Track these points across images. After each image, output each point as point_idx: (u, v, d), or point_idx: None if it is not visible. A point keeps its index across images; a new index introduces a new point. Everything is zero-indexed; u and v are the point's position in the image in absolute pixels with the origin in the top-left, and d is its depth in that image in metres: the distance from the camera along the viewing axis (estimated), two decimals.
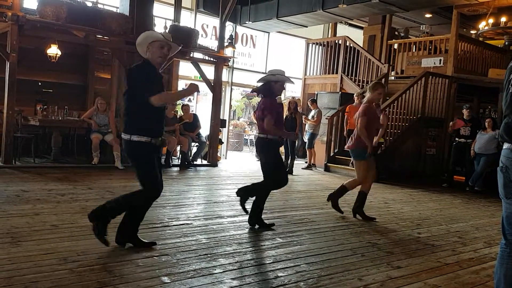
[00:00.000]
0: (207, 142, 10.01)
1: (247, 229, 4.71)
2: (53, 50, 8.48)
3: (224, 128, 11.70)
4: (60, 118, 8.22)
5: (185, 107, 9.90)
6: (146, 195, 3.73)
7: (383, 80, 11.10)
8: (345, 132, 9.91)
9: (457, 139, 9.35)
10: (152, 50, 3.64)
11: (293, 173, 9.56)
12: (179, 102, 12.19)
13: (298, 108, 10.26)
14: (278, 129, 4.74)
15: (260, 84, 4.84)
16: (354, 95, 10.44)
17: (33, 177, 6.75)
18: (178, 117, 9.59)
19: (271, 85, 4.74)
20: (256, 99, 16.66)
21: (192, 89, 3.77)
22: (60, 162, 8.21)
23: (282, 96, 13.98)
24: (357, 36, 13.97)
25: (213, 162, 9.97)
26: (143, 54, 3.73)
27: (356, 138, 5.51)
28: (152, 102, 3.49)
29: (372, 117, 5.50)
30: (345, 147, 5.86)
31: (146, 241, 3.86)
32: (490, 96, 11.40)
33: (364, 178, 5.58)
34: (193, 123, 9.61)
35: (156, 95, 3.52)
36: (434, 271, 3.81)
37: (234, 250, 3.97)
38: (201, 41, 10.73)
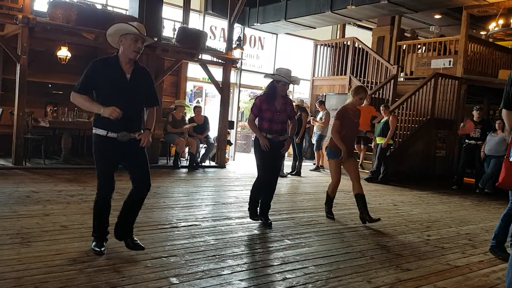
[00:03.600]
0: (215, 144, 10.03)
1: (255, 231, 4.71)
2: (63, 52, 8.55)
3: (232, 130, 11.72)
4: (70, 120, 8.28)
5: (197, 109, 9.92)
6: (96, 195, 3.63)
7: (392, 81, 11.06)
8: None
9: (467, 140, 9.28)
10: (126, 44, 3.45)
11: (301, 175, 9.55)
12: (188, 103, 12.24)
13: (307, 109, 10.23)
14: (255, 128, 4.85)
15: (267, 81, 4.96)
16: None
17: (43, 178, 6.80)
18: (188, 119, 9.63)
19: (274, 84, 4.80)
20: None
21: (110, 111, 3.32)
22: (70, 163, 8.26)
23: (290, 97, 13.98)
24: (366, 37, 13.92)
25: (221, 163, 9.98)
26: (115, 45, 3.56)
27: (330, 137, 5.55)
28: (71, 96, 3.45)
29: (347, 122, 5.41)
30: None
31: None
32: (500, 98, 11.25)
33: (333, 177, 5.57)
34: (203, 125, 9.64)
35: (75, 93, 3.43)
36: (443, 274, 3.78)
37: (242, 251, 3.97)
38: (210, 43, 10.77)
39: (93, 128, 3.51)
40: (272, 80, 4.89)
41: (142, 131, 3.60)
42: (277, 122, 4.82)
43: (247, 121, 4.82)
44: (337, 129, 5.37)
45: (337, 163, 5.47)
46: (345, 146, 5.34)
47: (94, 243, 3.61)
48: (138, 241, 3.73)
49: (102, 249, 3.56)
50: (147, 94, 3.65)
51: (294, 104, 10.18)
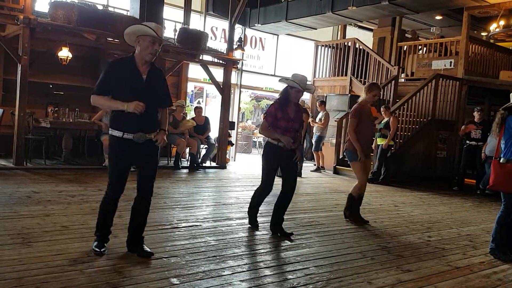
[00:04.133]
0: (216, 144, 10.03)
1: (256, 231, 4.71)
2: (64, 53, 8.56)
3: (233, 130, 11.72)
4: (71, 120, 8.29)
5: (198, 110, 9.92)
6: (105, 193, 3.63)
7: (393, 82, 11.05)
8: None
9: (468, 141, 9.28)
10: (143, 45, 3.43)
11: (302, 176, 9.55)
12: (189, 103, 12.25)
13: (308, 110, 10.23)
14: (270, 132, 4.57)
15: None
16: None
17: (44, 178, 6.81)
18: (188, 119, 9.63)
19: (288, 90, 4.59)
20: (265, 102, 16.68)
21: (135, 106, 3.35)
22: (70, 163, 8.27)
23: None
24: (367, 38, 13.92)
25: (222, 164, 9.98)
26: (132, 43, 3.55)
27: (349, 140, 5.40)
28: (91, 99, 3.46)
29: (364, 120, 5.33)
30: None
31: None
32: (501, 99, 11.23)
33: (360, 179, 5.42)
34: (204, 125, 9.65)
35: (95, 95, 3.45)
36: (444, 275, 3.78)
37: (243, 252, 3.97)
38: (210, 43, 10.78)
39: (109, 129, 3.51)
40: (286, 85, 4.65)
41: (157, 132, 3.57)
42: (291, 130, 4.58)
43: (259, 129, 4.69)
44: (353, 128, 5.24)
45: (361, 164, 5.35)
46: (361, 145, 5.26)
47: (95, 243, 3.60)
48: (148, 249, 3.65)
49: (103, 249, 3.55)
50: (161, 95, 3.63)
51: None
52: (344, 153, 5.55)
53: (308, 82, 4.66)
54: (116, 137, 3.45)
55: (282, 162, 4.63)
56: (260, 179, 4.77)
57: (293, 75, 4.62)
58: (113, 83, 3.45)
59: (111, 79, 3.45)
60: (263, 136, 4.66)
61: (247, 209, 5.01)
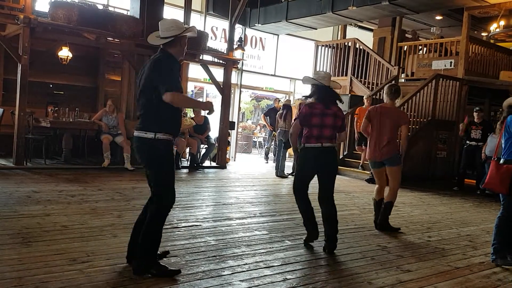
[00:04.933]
0: (216, 144, 10.03)
1: (256, 231, 4.71)
2: (65, 53, 8.56)
3: (233, 130, 11.72)
4: (71, 120, 8.29)
5: (197, 110, 9.92)
6: (158, 204, 3.28)
7: (393, 82, 11.04)
8: (356, 135, 9.87)
9: (468, 142, 9.27)
10: (181, 43, 3.31)
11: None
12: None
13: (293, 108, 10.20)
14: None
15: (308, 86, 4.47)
16: (364, 97, 10.40)
17: (44, 178, 6.81)
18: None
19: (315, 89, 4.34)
20: (265, 102, 16.69)
21: (208, 105, 3.44)
22: (70, 163, 8.27)
23: (291, 99, 14.00)
24: (367, 38, 13.92)
25: (222, 164, 9.98)
26: (159, 40, 3.27)
27: (393, 143, 5.11)
28: (170, 97, 3.08)
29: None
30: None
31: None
32: (502, 99, 11.18)
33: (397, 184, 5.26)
34: (203, 125, 9.64)
35: (176, 93, 3.12)
36: (444, 275, 3.78)
37: (242, 252, 3.97)
38: (211, 43, 10.78)
39: (157, 133, 3.17)
40: (312, 84, 4.40)
41: None
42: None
43: (290, 133, 4.43)
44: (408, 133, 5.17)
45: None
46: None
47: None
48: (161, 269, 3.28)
49: None
50: None
51: (281, 103, 10.16)
52: (388, 158, 5.11)
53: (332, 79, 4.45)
54: (167, 141, 3.23)
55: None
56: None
57: (317, 72, 4.51)
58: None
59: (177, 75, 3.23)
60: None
61: (247, 209, 5.00)
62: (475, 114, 9.25)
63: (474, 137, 9.12)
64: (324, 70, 12.97)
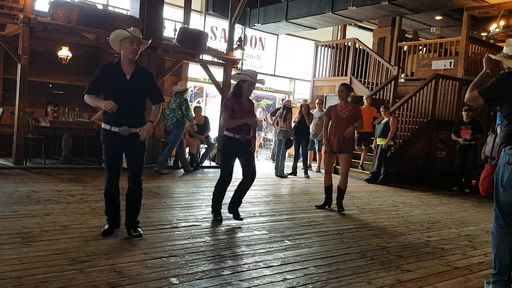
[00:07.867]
0: (216, 144, 10.03)
1: (256, 231, 4.71)
2: (64, 52, 8.55)
3: None
4: (70, 120, 8.29)
5: (197, 109, 9.91)
6: (104, 179, 4.22)
7: (393, 82, 11.05)
8: (356, 135, 9.84)
9: (460, 141, 9.30)
10: (124, 47, 3.91)
11: (297, 175, 9.54)
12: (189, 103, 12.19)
13: (310, 111, 10.19)
14: (235, 120, 4.82)
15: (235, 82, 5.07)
16: (364, 97, 10.41)
17: (43, 178, 6.81)
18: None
19: (240, 84, 4.91)
20: (265, 101, 16.69)
21: (105, 104, 3.77)
22: (70, 163, 8.26)
23: (292, 99, 13.99)
24: (367, 38, 13.93)
25: None
26: (118, 50, 4.01)
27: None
28: (84, 98, 3.96)
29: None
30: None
31: None
32: None
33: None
34: (203, 125, 9.64)
35: (86, 95, 3.94)
36: (443, 275, 3.78)
37: (242, 252, 3.98)
38: (210, 43, 10.78)
39: (102, 123, 4.02)
40: (238, 80, 4.95)
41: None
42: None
43: (222, 122, 5.07)
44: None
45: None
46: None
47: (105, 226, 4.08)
48: (141, 231, 4.10)
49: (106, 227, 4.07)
50: (150, 92, 4.07)
51: (282, 104, 10.15)
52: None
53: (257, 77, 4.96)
54: (105, 129, 3.98)
55: (239, 153, 4.95)
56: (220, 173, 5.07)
57: (244, 70, 5.07)
58: (102, 84, 3.94)
59: (98, 80, 3.94)
60: (226, 127, 4.95)
61: (246, 209, 5.02)
62: (464, 113, 9.24)
63: (465, 137, 9.12)
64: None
